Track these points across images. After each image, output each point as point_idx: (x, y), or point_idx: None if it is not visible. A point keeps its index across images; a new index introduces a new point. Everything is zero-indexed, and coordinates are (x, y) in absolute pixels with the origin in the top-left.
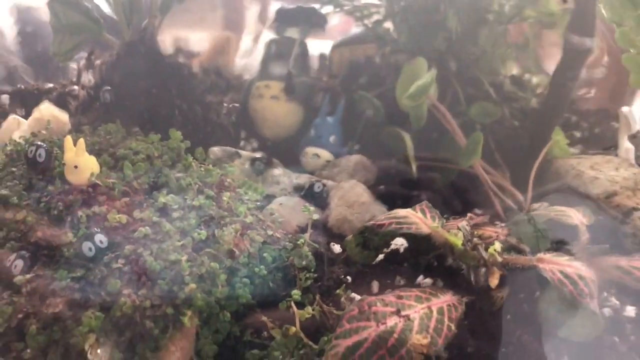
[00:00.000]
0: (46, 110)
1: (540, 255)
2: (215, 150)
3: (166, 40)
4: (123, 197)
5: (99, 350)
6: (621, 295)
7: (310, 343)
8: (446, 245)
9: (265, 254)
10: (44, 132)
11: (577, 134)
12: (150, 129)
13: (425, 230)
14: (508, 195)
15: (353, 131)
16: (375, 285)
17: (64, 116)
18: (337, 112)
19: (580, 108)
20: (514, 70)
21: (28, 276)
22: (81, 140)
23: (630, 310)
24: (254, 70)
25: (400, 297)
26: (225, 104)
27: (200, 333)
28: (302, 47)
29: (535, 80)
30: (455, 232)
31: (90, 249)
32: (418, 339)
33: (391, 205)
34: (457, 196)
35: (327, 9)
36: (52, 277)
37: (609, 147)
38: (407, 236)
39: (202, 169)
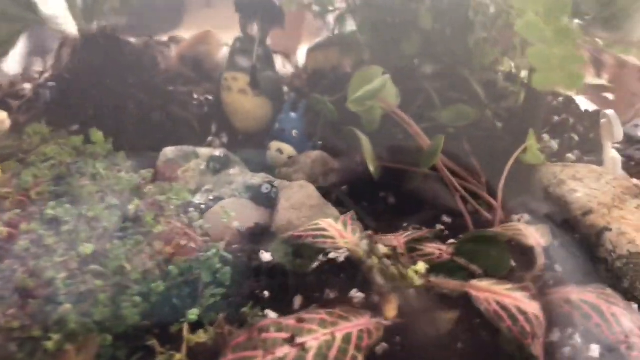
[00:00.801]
0: None
1: (474, 281)
2: (168, 151)
3: None
4: (17, 208)
5: None
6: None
7: None
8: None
9: (171, 267)
10: None
11: (575, 137)
12: (96, 125)
13: (341, 245)
14: (482, 204)
15: (315, 130)
16: (298, 301)
17: (1, 114)
18: (300, 109)
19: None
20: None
21: None
22: None
23: (594, 350)
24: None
25: (301, 321)
26: (196, 96)
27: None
28: (263, 47)
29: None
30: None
31: None
32: None
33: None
34: (426, 201)
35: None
36: None
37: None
38: None
39: (113, 176)
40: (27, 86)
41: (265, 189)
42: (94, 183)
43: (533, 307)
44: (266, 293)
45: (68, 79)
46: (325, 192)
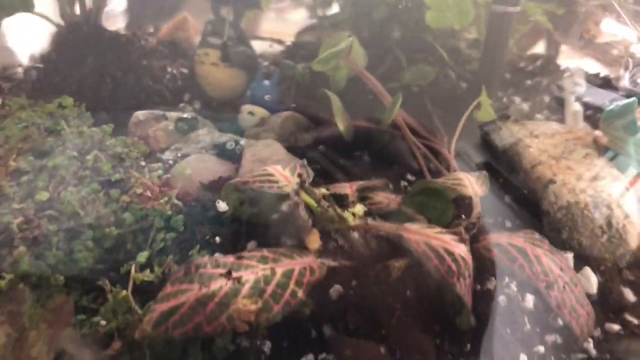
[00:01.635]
0: None
1: (407, 224)
2: (139, 114)
3: None
4: None
5: None
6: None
7: (137, 308)
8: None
9: (126, 215)
10: None
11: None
12: (79, 99)
13: (287, 190)
14: (442, 160)
15: (289, 92)
16: (252, 246)
17: None
18: (274, 77)
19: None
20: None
21: None
22: None
23: (529, 300)
24: None
25: (240, 258)
26: (169, 69)
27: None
28: (236, 30)
29: None
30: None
31: None
32: (245, 304)
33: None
34: (395, 160)
35: None
36: None
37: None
38: None
39: (76, 132)
40: (20, 70)
41: (229, 145)
42: (58, 138)
43: (460, 249)
44: (217, 239)
45: (54, 60)
46: (300, 152)
